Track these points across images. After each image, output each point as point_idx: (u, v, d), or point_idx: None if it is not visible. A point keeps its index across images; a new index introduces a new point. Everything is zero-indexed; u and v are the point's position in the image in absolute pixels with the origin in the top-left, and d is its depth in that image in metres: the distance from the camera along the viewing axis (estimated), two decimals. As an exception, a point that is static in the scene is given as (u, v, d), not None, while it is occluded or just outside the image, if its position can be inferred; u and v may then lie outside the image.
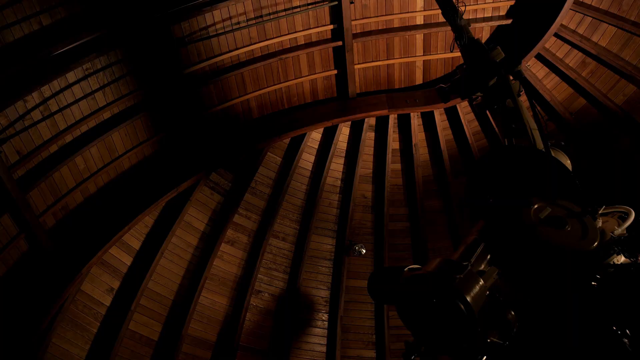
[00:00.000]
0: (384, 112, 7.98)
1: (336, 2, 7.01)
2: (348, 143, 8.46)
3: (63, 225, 6.49)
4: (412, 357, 1.75)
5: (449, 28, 7.48)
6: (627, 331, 1.72)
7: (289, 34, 7.20)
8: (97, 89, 6.17)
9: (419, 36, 7.65)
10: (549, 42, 7.39)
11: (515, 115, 2.94)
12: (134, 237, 7.06)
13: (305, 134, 8.09)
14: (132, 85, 6.51)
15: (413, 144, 8.25)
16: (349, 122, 8.32)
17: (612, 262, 2.01)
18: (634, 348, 1.57)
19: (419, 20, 7.56)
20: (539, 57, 7.55)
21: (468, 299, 1.61)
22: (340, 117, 7.97)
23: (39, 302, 6.00)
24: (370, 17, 7.39)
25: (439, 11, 7.35)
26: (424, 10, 7.39)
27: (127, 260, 6.99)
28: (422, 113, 8.20)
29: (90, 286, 6.62)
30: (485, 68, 3.13)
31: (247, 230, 7.93)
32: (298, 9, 7.00)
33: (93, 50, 5.85)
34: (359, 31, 7.52)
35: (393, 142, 8.37)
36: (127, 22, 5.86)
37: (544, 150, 2.68)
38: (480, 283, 1.71)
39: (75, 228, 6.55)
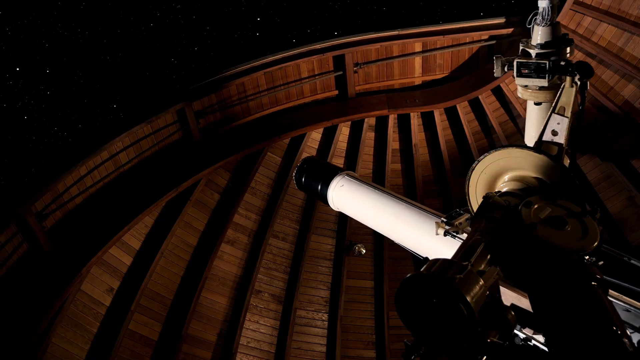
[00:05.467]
0: (383, 112, 8.00)
1: (341, 72, 7.69)
2: (348, 143, 8.46)
3: (63, 225, 6.50)
4: (412, 358, 1.74)
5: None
6: (627, 331, 1.72)
7: (297, 99, 7.90)
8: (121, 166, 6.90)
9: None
10: (549, 42, 7.39)
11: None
12: (134, 237, 7.06)
13: (305, 134, 8.09)
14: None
15: (413, 144, 8.25)
16: (349, 122, 8.33)
17: None
18: (633, 348, 1.57)
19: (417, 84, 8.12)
20: (539, 57, 7.55)
21: (468, 299, 1.61)
22: (340, 117, 7.99)
23: (39, 302, 5.99)
24: (372, 82, 7.95)
25: (436, 76, 7.94)
26: (422, 75, 7.95)
27: (127, 260, 6.99)
28: (422, 113, 8.21)
29: (90, 286, 6.62)
30: (556, 61, 2.91)
31: (247, 230, 7.94)
32: (307, 80, 7.66)
33: (123, 129, 6.56)
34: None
35: (393, 142, 8.36)
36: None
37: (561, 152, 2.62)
38: (480, 283, 1.71)
39: (75, 228, 6.56)
